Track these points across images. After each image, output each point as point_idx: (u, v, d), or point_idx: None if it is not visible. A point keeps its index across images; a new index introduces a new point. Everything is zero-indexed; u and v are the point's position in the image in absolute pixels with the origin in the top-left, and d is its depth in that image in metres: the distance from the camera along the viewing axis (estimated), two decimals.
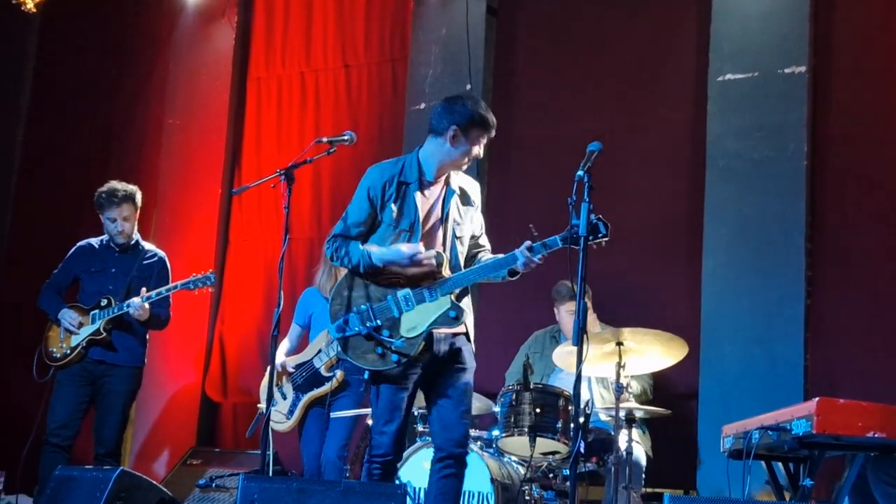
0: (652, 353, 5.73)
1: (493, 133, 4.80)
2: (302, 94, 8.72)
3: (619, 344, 5.61)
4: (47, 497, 5.05)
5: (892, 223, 6.57)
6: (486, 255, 4.83)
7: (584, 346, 4.25)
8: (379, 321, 4.66)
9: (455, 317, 4.63)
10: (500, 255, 4.65)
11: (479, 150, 4.79)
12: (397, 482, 5.06)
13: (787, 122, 6.79)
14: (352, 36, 8.59)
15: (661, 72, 7.47)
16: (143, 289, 6.31)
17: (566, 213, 4.32)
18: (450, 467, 4.70)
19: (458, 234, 4.79)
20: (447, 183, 4.82)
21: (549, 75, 7.83)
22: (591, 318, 6.31)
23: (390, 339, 4.64)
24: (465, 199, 4.87)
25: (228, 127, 8.92)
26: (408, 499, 4.66)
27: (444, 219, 4.79)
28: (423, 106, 8.00)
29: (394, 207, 4.75)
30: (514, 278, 4.70)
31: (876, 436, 3.86)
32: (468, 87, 7.79)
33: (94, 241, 6.66)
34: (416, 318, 4.64)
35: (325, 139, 5.33)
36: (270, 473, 6.53)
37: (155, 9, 9.30)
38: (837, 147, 6.83)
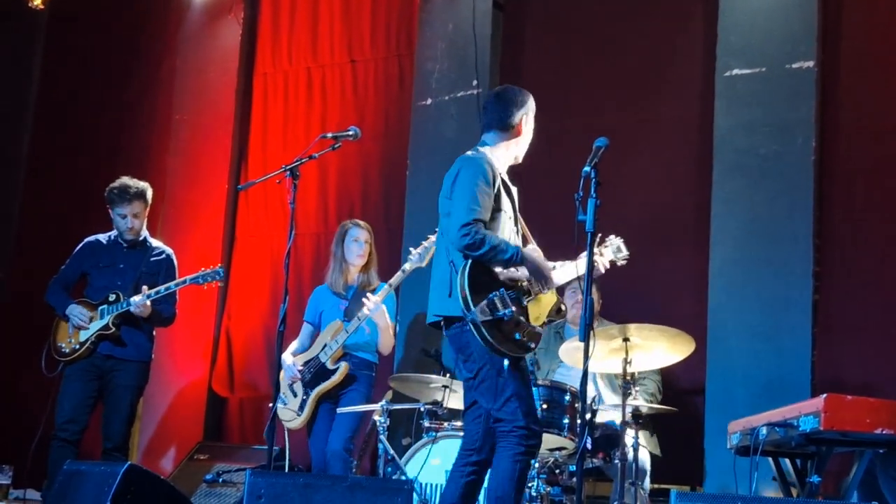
0: (658, 349, 5.72)
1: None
2: (308, 89, 8.72)
3: (626, 340, 5.60)
4: (55, 492, 5.06)
5: None
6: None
7: (591, 342, 4.24)
8: (515, 307, 4.61)
9: (563, 310, 4.78)
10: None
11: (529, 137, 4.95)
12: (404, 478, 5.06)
13: (794, 117, 6.77)
14: (358, 31, 8.58)
15: (668, 67, 7.45)
16: (145, 287, 6.32)
17: (574, 208, 4.32)
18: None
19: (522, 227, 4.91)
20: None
21: (556, 70, 7.81)
22: (598, 310, 6.37)
23: (532, 325, 4.67)
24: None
25: (235, 122, 8.91)
26: (414, 495, 4.65)
27: (516, 212, 4.90)
28: (429, 101, 8.00)
29: (506, 197, 4.81)
30: None
31: (884, 432, 3.85)
32: (475, 82, 7.78)
33: (103, 236, 6.67)
34: (538, 310, 4.72)
35: (329, 135, 5.34)
36: (285, 468, 6.55)
37: (162, 5, 9.30)
38: (845, 142, 6.81)
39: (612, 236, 5.19)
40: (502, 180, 4.81)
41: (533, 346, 4.67)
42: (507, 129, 4.85)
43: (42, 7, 7.90)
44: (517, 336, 4.60)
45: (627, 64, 7.54)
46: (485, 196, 4.67)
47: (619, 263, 5.15)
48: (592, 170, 4.33)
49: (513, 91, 4.91)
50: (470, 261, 4.61)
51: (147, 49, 9.37)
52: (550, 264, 4.82)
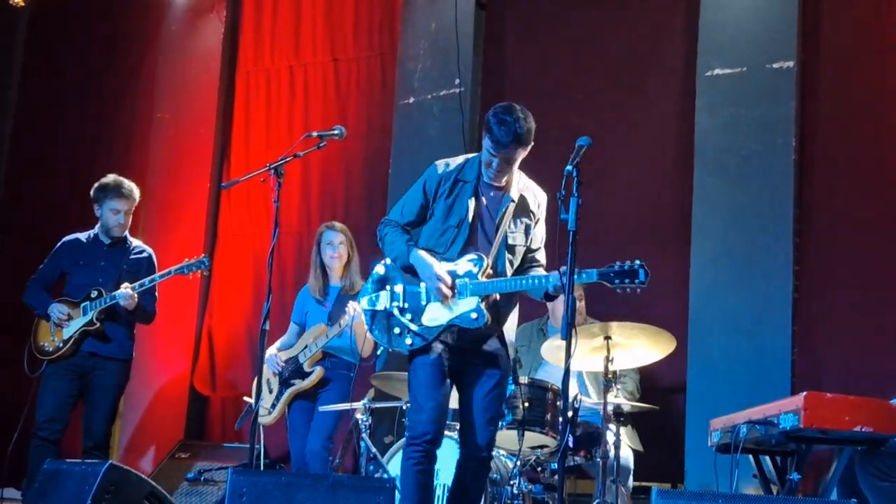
0: (639, 347, 5.73)
1: (503, 151, 4.66)
2: (291, 88, 8.70)
3: (608, 338, 5.61)
4: (35, 490, 5.03)
5: (879, 218, 6.59)
6: (536, 271, 4.79)
7: (573, 340, 4.25)
8: (406, 304, 4.73)
9: (475, 318, 4.65)
10: (542, 274, 4.68)
11: (490, 159, 4.70)
12: (386, 476, 5.06)
13: (775, 116, 6.80)
14: (340, 30, 8.57)
15: (649, 66, 7.46)
16: (126, 283, 6.31)
17: (556, 206, 4.32)
18: (471, 469, 4.75)
19: (509, 243, 4.76)
20: (507, 189, 4.80)
21: (538, 70, 7.82)
22: (581, 305, 6.37)
23: (409, 323, 4.71)
24: (524, 210, 4.83)
25: (217, 121, 8.89)
26: (396, 493, 4.65)
27: (496, 225, 4.77)
28: (411, 100, 7.99)
29: (445, 203, 4.79)
30: (549, 301, 4.70)
31: (863, 430, 3.86)
32: (457, 81, 7.79)
33: (82, 235, 6.66)
34: (440, 311, 4.68)
35: (315, 133, 5.33)
36: (261, 467, 6.54)
37: (144, 3, 9.26)
38: (826, 142, 6.83)
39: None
40: (461, 190, 4.78)
41: (415, 345, 4.71)
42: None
43: (23, 4, 7.84)
44: (395, 330, 4.79)
45: (609, 63, 7.56)
46: (412, 200, 4.87)
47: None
48: (574, 169, 4.33)
49: (493, 109, 4.78)
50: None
51: (129, 47, 9.34)
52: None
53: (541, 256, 4.88)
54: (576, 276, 4.32)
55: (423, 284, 4.72)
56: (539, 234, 4.89)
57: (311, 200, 8.42)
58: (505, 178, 4.77)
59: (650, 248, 7.16)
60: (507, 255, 4.74)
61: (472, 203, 4.74)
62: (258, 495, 4.22)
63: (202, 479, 7.32)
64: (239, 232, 8.72)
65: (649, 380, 6.62)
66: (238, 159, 8.79)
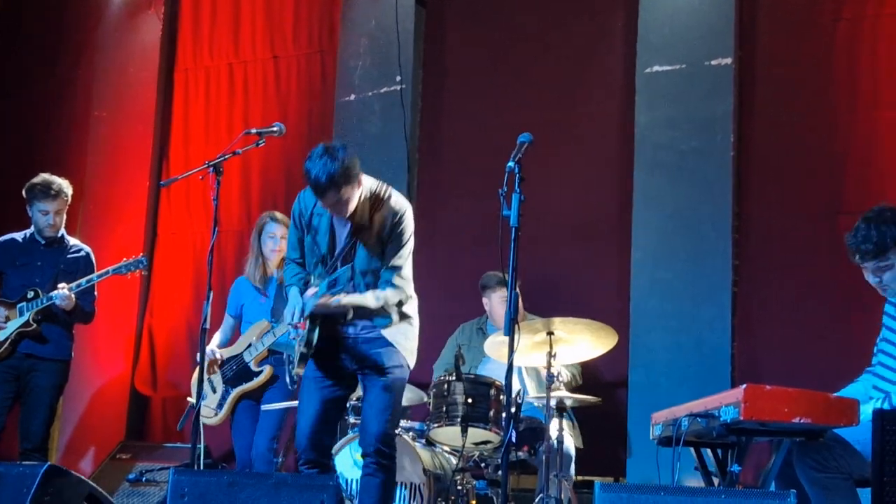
0: (582, 342, 5.76)
1: (319, 194, 4.74)
2: (230, 85, 8.65)
3: (550, 333, 5.63)
4: None
5: (815, 213, 6.67)
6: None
7: (516, 336, 4.26)
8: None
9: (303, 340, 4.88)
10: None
11: (326, 205, 4.81)
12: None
13: (713, 113, 6.86)
14: (280, 27, 8.53)
15: (589, 64, 7.50)
16: (63, 283, 6.23)
17: (498, 204, 4.32)
18: (368, 466, 4.84)
19: (361, 273, 4.85)
20: (353, 215, 4.83)
21: (480, 68, 7.83)
22: (520, 305, 6.37)
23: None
24: (373, 229, 4.86)
25: (156, 119, 8.83)
26: (339, 491, 4.63)
27: (347, 251, 4.87)
28: (352, 97, 7.98)
29: (309, 238, 4.97)
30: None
31: (801, 421, 3.90)
32: (398, 78, 7.78)
33: (18, 235, 6.58)
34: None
35: (254, 131, 5.30)
36: (201, 467, 6.48)
37: (81, 0, 9.15)
38: (763, 138, 6.91)
39: None
40: (316, 221, 4.93)
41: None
42: None
43: None
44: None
45: (550, 60, 7.58)
46: (289, 235, 5.12)
47: None
48: (516, 165, 4.34)
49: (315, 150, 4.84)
50: None
51: (66, 44, 9.23)
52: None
53: (387, 274, 4.88)
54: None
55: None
56: (392, 250, 4.90)
57: (252, 198, 8.38)
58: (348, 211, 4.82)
59: (592, 244, 7.24)
60: (358, 280, 4.87)
61: (328, 234, 4.91)
62: (200, 495, 4.19)
63: (143, 479, 7.26)
64: (178, 230, 8.65)
65: (592, 374, 6.65)
66: (177, 157, 8.72)
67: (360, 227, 4.84)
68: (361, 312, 4.85)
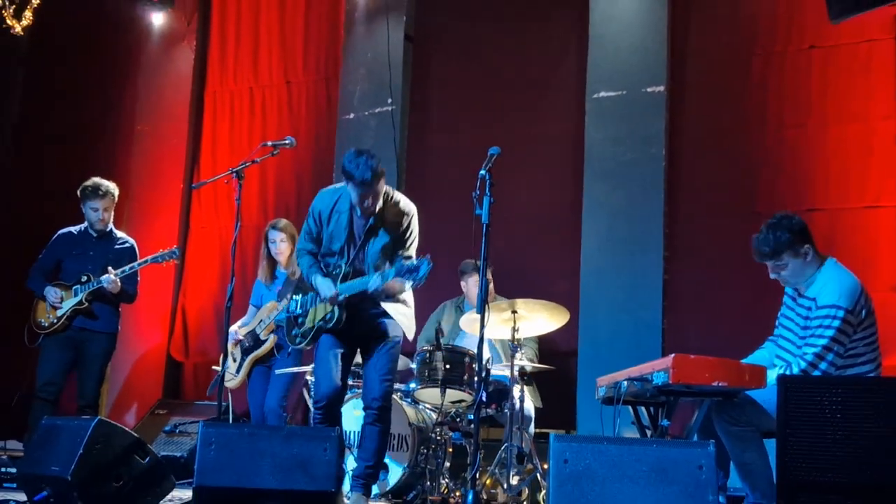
0: (540, 319, 5.77)
1: (364, 189, 4.66)
2: (251, 105, 8.61)
3: (514, 311, 5.64)
4: (35, 442, 4.93)
5: (731, 214, 6.71)
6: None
7: (486, 314, 4.28)
8: (300, 311, 5.01)
9: (330, 318, 4.86)
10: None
11: (357, 199, 4.73)
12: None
13: (649, 131, 6.88)
14: (292, 58, 8.51)
15: (548, 90, 7.51)
16: (110, 268, 6.22)
17: (472, 205, 4.33)
18: (370, 416, 4.90)
19: (372, 262, 4.83)
20: (372, 213, 4.82)
21: (458, 92, 7.83)
22: (490, 288, 6.37)
23: (301, 325, 5.00)
24: (386, 226, 4.84)
25: (189, 132, 8.78)
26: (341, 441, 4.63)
27: (362, 244, 4.86)
28: (351, 116, 7.96)
29: (328, 231, 4.91)
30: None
31: (720, 385, 3.92)
32: (389, 100, 7.77)
33: (74, 229, 6.54)
34: (314, 314, 4.95)
35: (270, 143, 5.28)
36: (230, 420, 6.48)
37: (127, 33, 9.09)
38: (689, 151, 6.94)
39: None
40: (338, 217, 4.89)
41: (299, 342, 5.02)
42: None
43: (22, 34, 7.67)
44: (293, 331, 5.05)
45: (515, 87, 7.58)
46: (305, 228, 5.02)
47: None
48: (487, 173, 4.35)
49: (348, 155, 4.73)
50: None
51: (114, 70, 9.16)
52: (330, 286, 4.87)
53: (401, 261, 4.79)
54: (381, 275, 4.59)
55: (310, 295, 5.03)
56: (405, 242, 4.88)
57: (268, 199, 8.36)
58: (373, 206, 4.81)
59: (549, 238, 7.25)
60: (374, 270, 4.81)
61: (346, 230, 4.89)
62: (225, 444, 4.19)
63: (177, 431, 7.24)
64: (207, 225, 8.62)
65: (547, 346, 6.66)
66: (206, 165, 8.68)
67: (377, 223, 4.83)
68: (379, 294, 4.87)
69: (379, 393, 4.88)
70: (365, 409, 4.92)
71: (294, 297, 5.14)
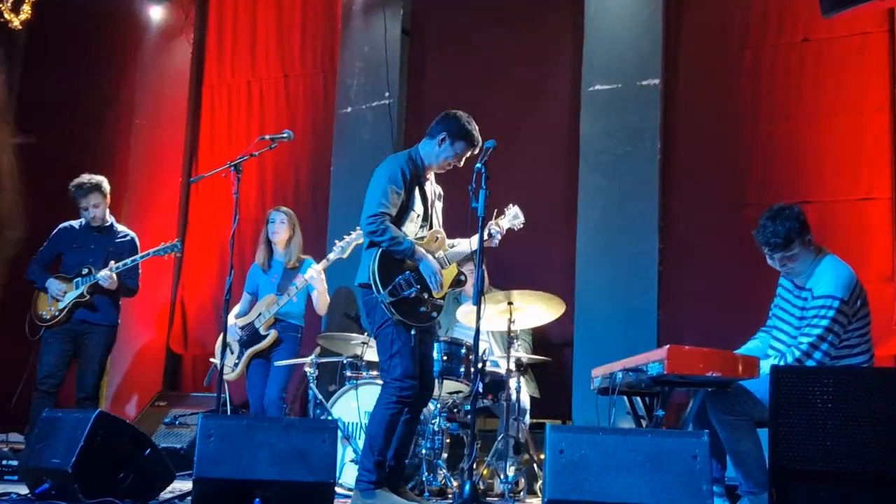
0: (536, 310, 5.78)
1: (476, 150, 4.75)
2: (248, 99, 8.59)
3: (510, 303, 5.65)
4: (36, 435, 4.94)
5: (725, 206, 6.71)
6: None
7: (482, 306, 4.29)
8: (420, 286, 4.67)
9: (463, 280, 4.83)
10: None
11: (458, 160, 4.80)
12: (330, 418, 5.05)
13: (644, 124, 6.87)
14: (290, 51, 8.49)
15: (543, 84, 7.50)
16: (112, 262, 6.22)
17: (468, 199, 4.35)
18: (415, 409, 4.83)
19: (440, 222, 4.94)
20: (430, 179, 4.90)
21: (454, 86, 7.80)
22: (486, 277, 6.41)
23: (433, 299, 4.73)
24: (439, 195, 4.99)
25: (187, 126, 8.76)
26: (338, 432, 4.64)
27: (433, 208, 4.90)
28: (349, 110, 7.95)
29: (416, 195, 4.78)
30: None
31: (713, 375, 3.94)
32: (386, 94, 7.75)
33: (75, 222, 6.56)
34: (441, 283, 4.76)
35: (267, 136, 5.29)
36: (227, 413, 6.49)
37: (125, 28, 9.06)
38: (684, 144, 6.93)
39: (511, 205, 5.12)
40: (420, 182, 4.80)
41: (436, 315, 4.78)
42: (431, 138, 4.83)
43: (20, 28, 7.66)
44: (421, 309, 4.70)
45: (511, 80, 7.58)
46: (393, 194, 4.67)
47: (516, 229, 5.09)
48: (483, 166, 4.36)
49: (453, 116, 4.82)
50: (380, 250, 4.63)
51: (112, 64, 9.14)
52: (450, 242, 4.86)
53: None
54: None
55: (422, 268, 4.70)
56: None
57: (266, 192, 8.34)
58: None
59: (545, 230, 7.23)
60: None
61: (427, 193, 4.85)
62: (224, 435, 4.20)
63: (177, 422, 7.25)
64: (205, 218, 8.61)
65: (543, 337, 6.68)
66: (204, 158, 8.67)
67: (439, 195, 4.96)
68: None
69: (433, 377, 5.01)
70: (416, 400, 4.75)
71: (398, 279, 4.63)
